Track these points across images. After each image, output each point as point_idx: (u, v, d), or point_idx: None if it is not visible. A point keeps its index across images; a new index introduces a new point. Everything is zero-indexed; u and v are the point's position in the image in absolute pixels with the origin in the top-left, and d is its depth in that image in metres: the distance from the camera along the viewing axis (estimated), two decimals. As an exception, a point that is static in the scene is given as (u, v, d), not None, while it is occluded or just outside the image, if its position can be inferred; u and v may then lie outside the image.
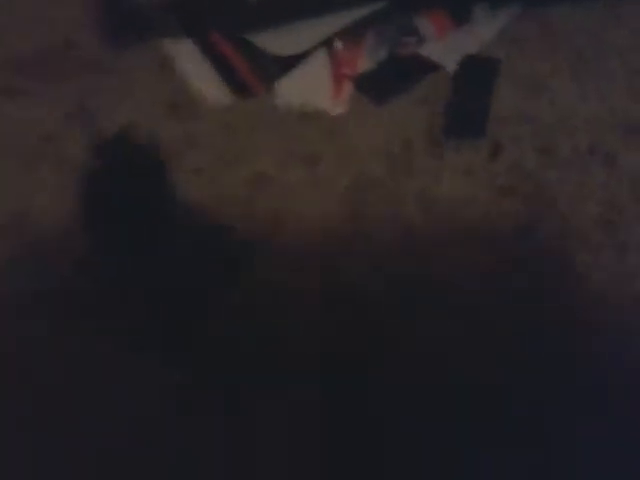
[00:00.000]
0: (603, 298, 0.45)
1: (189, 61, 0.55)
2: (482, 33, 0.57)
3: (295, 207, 0.48)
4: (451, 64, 0.55)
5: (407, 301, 0.45)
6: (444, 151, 0.51)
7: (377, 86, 0.55)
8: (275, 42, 0.54)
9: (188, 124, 0.53)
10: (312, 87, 0.54)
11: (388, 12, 0.56)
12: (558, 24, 0.57)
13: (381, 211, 0.47)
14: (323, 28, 0.55)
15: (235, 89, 0.54)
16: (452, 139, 0.51)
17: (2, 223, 0.48)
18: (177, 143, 0.52)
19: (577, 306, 0.45)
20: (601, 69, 0.55)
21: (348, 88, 0.54)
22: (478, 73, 0.54)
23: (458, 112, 0.52)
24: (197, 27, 0.56)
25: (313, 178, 0.50)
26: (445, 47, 0.56)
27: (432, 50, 0.56)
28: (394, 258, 0.47)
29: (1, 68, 0.56)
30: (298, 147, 0.48)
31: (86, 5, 0.57)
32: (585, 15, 0.57)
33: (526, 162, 0.50)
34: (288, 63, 0.54)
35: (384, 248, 0.47)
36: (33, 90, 0.55)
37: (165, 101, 0.54)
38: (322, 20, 0.54)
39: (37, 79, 0.56)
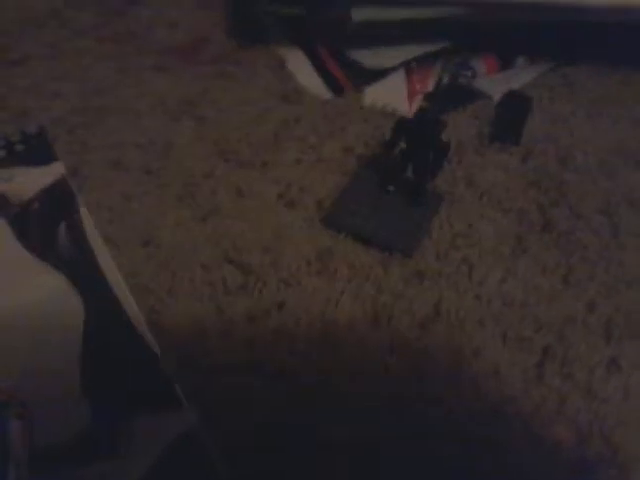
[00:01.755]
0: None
1: (299, 64, 0.72)
2: (521, 77, 0.74)
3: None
4: (496, 95, 0.72)
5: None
6: (487, 151, 0.67)
7: (440, 102, 0.71)
8: (366, 57, 0.72)
9: (295, 108, 0.69)
10: (392, 94, 0.71)
11: (452, 51, 0.74)
12: (579, 79, 0.74)
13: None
14: (403, 53, 0.72)
15: (332, 89, 0.71)
16: (494, 144, 0.67)
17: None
18: (287, 121, 0.68)
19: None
20: (610, 115, 0.71)
21: (419, 100, 0.71)
22: (516, 103, 0.71)
23: (500, 126, 0.68)
24: (306, 39, 0.74)
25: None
26: (492, 83, 0.74)
27: (482, 84, 0.73)
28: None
29: (153, 52, 0.73)
30: (380, 134, 0.64)
31: (223, 10, 0.76)
32: (599, 74, 0.75)
33: (548, 167, 0.66)
34: (375, 74, 0.72)
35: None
36: (175, 69, 0.72)
37: (279, 91, 0.71)
38: (403, 48, 0.72)
39: (179, 62, 0.73)
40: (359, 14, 0.67)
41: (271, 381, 0.51)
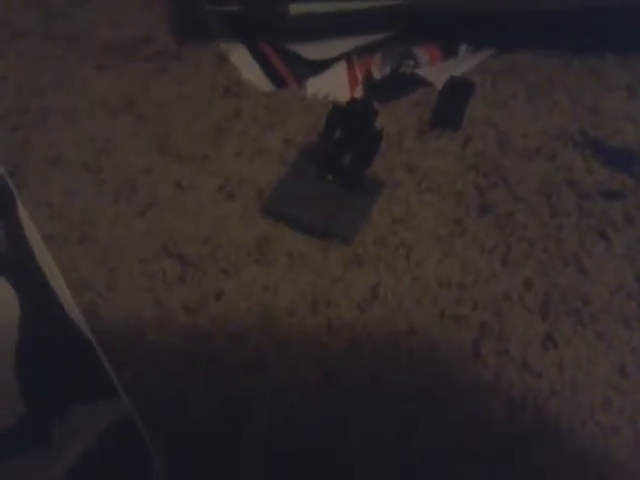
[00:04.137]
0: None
1: (241, 58, 0.73)
2: (463, 64, 0.75)
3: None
4: (439, 83, 0.73)
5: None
6: (428, 138, 0.67)
7: (382, 91, 0.72)
8: (308, 50, 0.72)
9: (237, 102, 0.69)
10: (333, 85, 0.71)
11: (394, 41, 0.75)
12: (520, 64, 0.75)
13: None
14: (345, 44, 0.73)
15: (274, 81, 0.72)
16: (435, 130, 0.68)
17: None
18: (228, 114, 0.68)
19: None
20: (549, 98, 0.72)
21: (360, 89, 0.72)
22: (458, 89, 0.72)
23: (441, 112, 0.69)
24: (248, 36, 0.74)
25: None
26: (435, 71, 0.74)
27: (425, 72, 0.74)
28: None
29: (95, 51, 0.73)
30: (321, 123, 0.64)
31: (166, 9, 0.76)
32: (541, 60, 0.76)
33: (488, 151, 0.66)
34: (316, 66, 0.72)
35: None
36: (117, 67, 0.72)
37: (221, 85, 0.71)
38: (344, 39, 0.73)
39: (121, 61, 0.73)
40: (297, 8, 0.67)
41: (208, 368, 0.51)
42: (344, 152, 0.60)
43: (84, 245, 0.57)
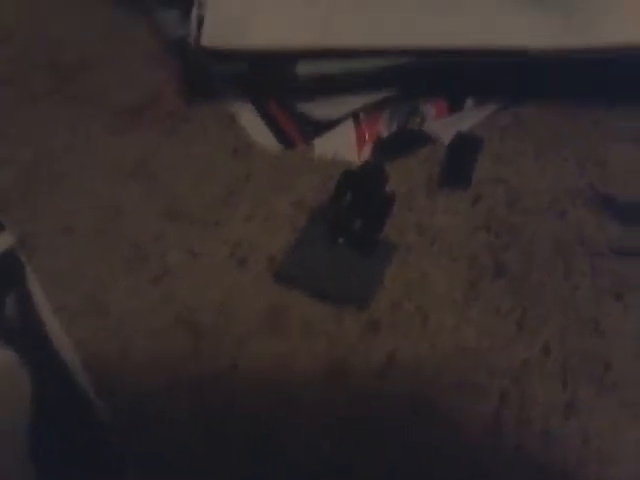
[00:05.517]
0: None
1: (249, 118, 0.73)
2: (470, 119, 0.75)
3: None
4: (446, 138, 0.73)
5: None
6: (437, 196, 0.67)
7: (390, 148, 0.72)
8: (315, 109, 0.72)
9: (246, 164, 0.69)
10: (341, 144, 0.71)
11: (400, 98, 0.75)
12: (526, 118, 0.76)
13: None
14: (352, 103, 0.73)
15: (283, 142, 0.72)
16: (444, 189, 0.68)
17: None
18: (237, 177, 0.68)
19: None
20: (557, 153, 0.72)
21: (368, 148, 0.72)
22: (466, 145, 0.72)
23: (450, 170, 0.69)
24: (256, 96, 0.75)
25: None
26: (442, 126, 0.75)
27: (432, 127, 0.74)
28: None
29: (105, 114, 0.73)
30: (330, 184, 0.64)
31: (175, 70, 0.77)
32: (547, 113, 0.76)
33: (498, 209, 0.66)
34: (323, 126, 0.72)
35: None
36: (127, 130, 0.72)
37: (229, 146, 0.71)
38: (351, 98, 0.73)
39: (131, 123, 0.73)
40: (304, 68, 0.68)
41: (219, 441, 0.50)
42: (355, 216, 0.60)
43: (96, 317, 0.56)
